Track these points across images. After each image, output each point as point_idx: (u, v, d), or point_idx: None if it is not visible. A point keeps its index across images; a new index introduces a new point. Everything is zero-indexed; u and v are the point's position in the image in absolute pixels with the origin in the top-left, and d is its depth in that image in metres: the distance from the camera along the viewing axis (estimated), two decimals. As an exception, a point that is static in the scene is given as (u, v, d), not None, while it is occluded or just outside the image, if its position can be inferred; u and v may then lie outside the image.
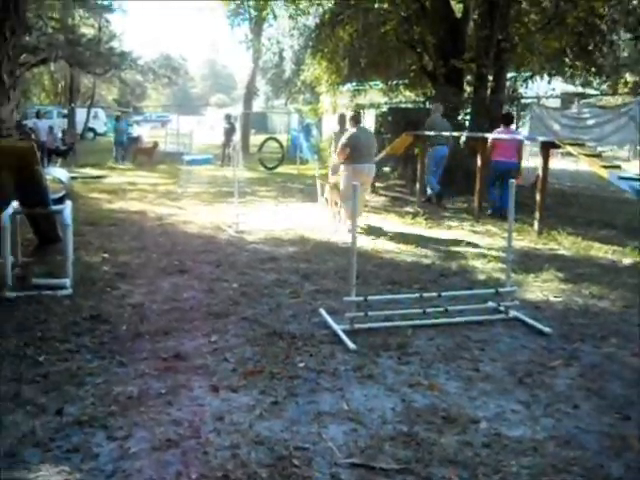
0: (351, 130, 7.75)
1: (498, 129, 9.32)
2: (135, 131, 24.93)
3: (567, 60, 13.33)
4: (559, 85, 15.84)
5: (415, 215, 9.16)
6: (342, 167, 7.75)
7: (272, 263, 6.05)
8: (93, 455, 2.60)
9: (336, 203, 8.31)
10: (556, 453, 2.69)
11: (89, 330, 4.03)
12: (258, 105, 41.18)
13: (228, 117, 19.69)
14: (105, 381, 3.28)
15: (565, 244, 7.20)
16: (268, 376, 3.37)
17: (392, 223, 8.62)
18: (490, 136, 9.09)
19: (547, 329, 4.19)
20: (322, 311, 4.48)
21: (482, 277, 5.66)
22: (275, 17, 17.52)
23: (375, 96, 15.57)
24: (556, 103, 14.70)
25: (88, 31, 25.80)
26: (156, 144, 19.01)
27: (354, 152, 7.52)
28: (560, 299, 5.00)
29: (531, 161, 12.80)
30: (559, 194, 11.24)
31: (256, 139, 25.16)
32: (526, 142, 10.57)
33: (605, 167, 7.24)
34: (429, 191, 10.45)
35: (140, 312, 4.44)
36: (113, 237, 7.11)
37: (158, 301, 4.71)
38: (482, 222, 8.68)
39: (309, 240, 7.27)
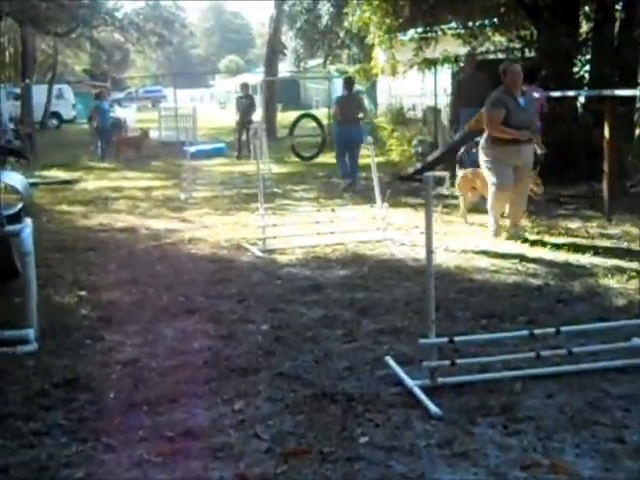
0: (497, 92, 7.89)
1: None
2: (115, 113, 25.34)
3: None
4: None
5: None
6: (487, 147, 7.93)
7: (316, 294, 6.06)
8: None
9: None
10: None
11: (63, 401, 4.08)
12: (286, 68, 41.60)
13: (245, 87, 19.92)
14: (88, 474, 3.30)
15: None
16: (317, 458, 3.36)
17: (484, 227, 8.53)
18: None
19: None
20: (389, 360, 4.45)
21: (621, 302, 5.55)
22: None
23: (451, 45, 15.48)
24: None
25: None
26: (145, 133, 19.40)
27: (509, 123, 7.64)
28: None
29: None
30: None
31: (285, 117, 25.44)
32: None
33: None
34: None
35: (134, 373, 4.47)
36: (93, 267, 7.25)
37: (159, 356, 4.75)
38: (617, 221, 8.52)
39: (366, 258, 7.26)
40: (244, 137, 18.64)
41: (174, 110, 23.83)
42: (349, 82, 13.21)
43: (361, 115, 12.89)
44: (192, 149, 15.24)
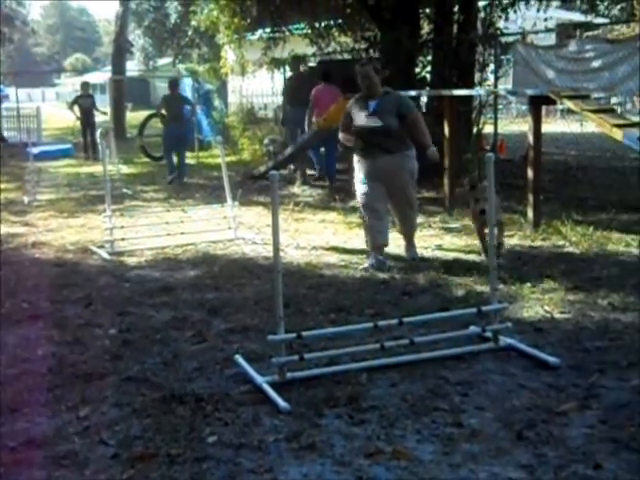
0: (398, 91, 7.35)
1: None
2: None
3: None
4: (553, 13, 16.20)
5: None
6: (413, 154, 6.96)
7: (165, 295, 6.01)
8: None
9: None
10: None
11: None
12: (135, 67, 40.83)
13: (85, 86, 19.48)
14: None
15: (572, 238, 7.46)
16: (165, 461, 3.33)
17: (333, 224, 8.70)
18: None
19: (553, 359, 4.31)
20: (239, 358, 4.46)
21: (460, 292, 5.80)
22: None
23: (298, 45, 15.65)
24: (550, 40, 15.07)
25: None
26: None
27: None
28: (568, 315, 5.18)
29: (518, 125, 13.19)
30: (560, 168, 11.64)
31: (134, 117, 24.93)
32: (510, 98, 10.89)
33: (619, 126, 7.46)
34: None
35: (-27, 383, 4.30)
36: None
37: (0, 364, 4.58)
38: (457, 215, 8.88)
39: (217, 258, 7.26)
40: (89, 138, 18.28)
41: (16, 110, 22.96)
42: (173, 83, 14.11)
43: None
44: (36, 150, 14.74)
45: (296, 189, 11.73)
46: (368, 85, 6.88)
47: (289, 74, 14.51)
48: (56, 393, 4.12)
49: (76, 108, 18.51)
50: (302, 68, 14.12)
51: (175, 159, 13.47)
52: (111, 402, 3.99)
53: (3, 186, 13.58)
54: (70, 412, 3.87)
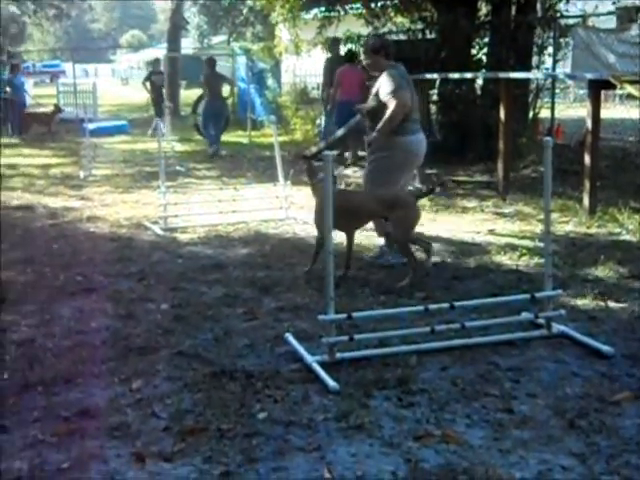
0: (392, 71, 6.18)
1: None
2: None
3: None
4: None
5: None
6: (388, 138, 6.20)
7: (217, 272, 6.06)
8: None
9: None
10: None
11: (-45, 383, 3.99)
12: (190, 45, 41.01)
13: (156, 63, 19.21)
14: (-19, 455, 3.25)
15: (629, 226, 7.34)
16: (215, 435, 3.37)
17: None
18: None
19: (607, 348, 4.26)
20: (289, 337, 4.49)
21: (512, 278, 5.74)
22: None
23: (353, 25, 15.55)
24: (611, 23, 14.75)
25: None
26: (57, 108, 18.86)
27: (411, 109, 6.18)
28: (624, 304, 5.09)
29: (575, 109, 12.96)
30: (618, 155, 11.41)
31: (188, 95, 25.05)
32: (568, 82, 10.71)
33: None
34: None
35: (29, 353, 4.39)
36: (-14, 246, 7.04)
37: (55, 336, 4.67)
38: (510, 200, 8.79)
39: (268, 237, 7.29)
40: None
41: (73, 86, 23.18)
42: (211, 62, 14.70)
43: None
44: (92, 126, 14.92)
45: (347, 170, 11.70)
46: (366, 65, 6.59)
47: (328, 55, 14.47)
48: (109, 365, 4.20)
49: (148, 84, 18.40)
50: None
51: (213, 133, 14.40)
52: (163, 376, 4.05)
53: (60, 161, 13.83)
54: (123, 384, 3.94)
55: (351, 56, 12.83)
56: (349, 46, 14.37)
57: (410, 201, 5.73)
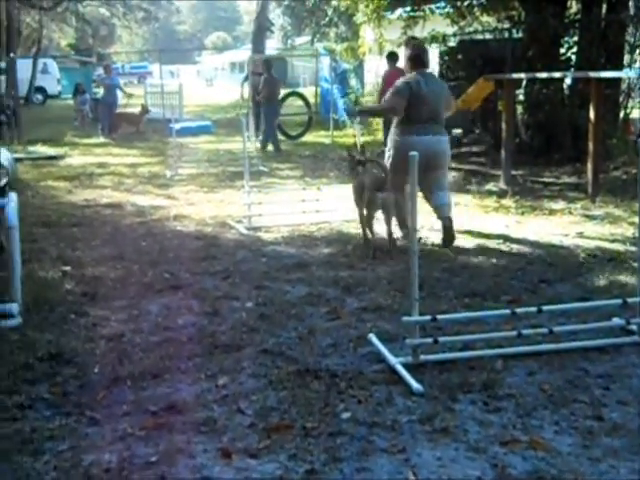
0: (409, 75, 7.03)
1: None
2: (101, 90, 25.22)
3: None
4: None
5: (501, 195, 9.10)
6: (391, 138, 7.26)
7: (301, 271, 6.09)
8: None
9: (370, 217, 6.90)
10: None
11: (47, 375, 4.10)
12: (273, 46, 41.39)
13: (268, 64, 16.20)
14: (71, 447, 3.32)
15: None
16: (300, 433, 3.39)
17: (467, 208, 8.56)
18: None
19: (701, 356, 4.13)
20: (373, 338, 4.48)
21: (602, 282, 5.60)
22: None
23: (438, 25, 15.43)
24: None
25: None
26: (145, 109, 19.33)
27: (412, 112, 6.86)
28: None
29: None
30: None
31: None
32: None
33: None
34: None
35: (118, 348, 4.49)
36: (77, 242, 7.24)
37: (143, 331, 4.77)
38: (600, 203, 8.57)
39: (351, 237, 7.28)
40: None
41: (160, 86, 23.64)
42: (268, 64, 15.20)
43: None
44: (178, 126, 15.18)
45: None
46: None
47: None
48: (196, 361, 4.26)
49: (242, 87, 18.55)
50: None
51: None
52: (248, 373, 4.08)
53: (147, 160, 14.15)
54: (209, 380, 3.99)
55: (395, 59, 13.81)
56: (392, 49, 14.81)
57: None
